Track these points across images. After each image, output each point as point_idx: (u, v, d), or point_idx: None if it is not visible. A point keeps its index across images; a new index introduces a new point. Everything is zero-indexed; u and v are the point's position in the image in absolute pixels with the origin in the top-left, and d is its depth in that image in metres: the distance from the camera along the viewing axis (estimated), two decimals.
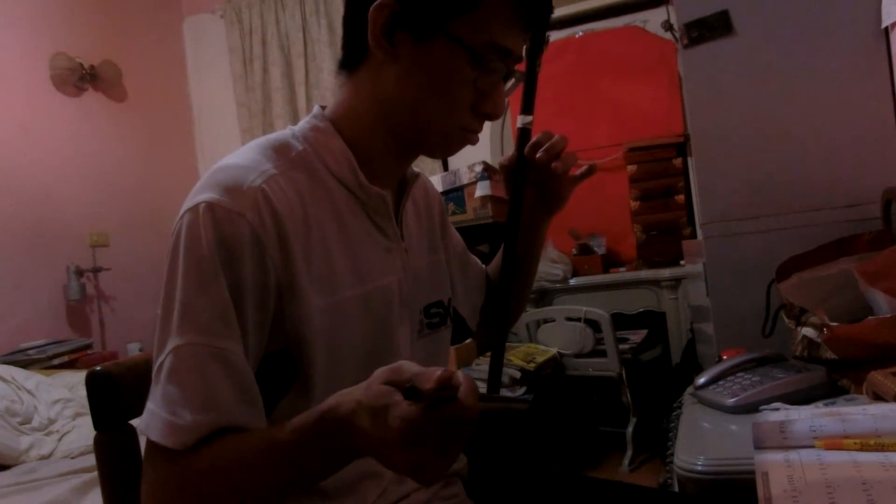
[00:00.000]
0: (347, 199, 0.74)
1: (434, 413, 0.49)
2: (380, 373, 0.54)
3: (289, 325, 0.67)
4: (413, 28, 0.69)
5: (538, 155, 0.84)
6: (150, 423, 0.62)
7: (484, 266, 1.06)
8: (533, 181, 0.88)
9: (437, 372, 0.50)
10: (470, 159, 2.95)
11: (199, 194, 0.66)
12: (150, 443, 0.62)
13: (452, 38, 0.68)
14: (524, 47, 0.76)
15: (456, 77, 0.71)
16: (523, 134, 0.84)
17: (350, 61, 0.76)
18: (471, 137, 0.77)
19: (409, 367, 0.53)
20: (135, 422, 0.96)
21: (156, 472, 0.62)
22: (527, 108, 0.83)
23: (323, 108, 0.78)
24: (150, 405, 0.63)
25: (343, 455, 0.58)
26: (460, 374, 0.52)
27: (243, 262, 0.64)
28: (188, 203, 0.66)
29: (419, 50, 0.70)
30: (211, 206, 0.64)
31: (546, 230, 0.99)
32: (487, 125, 0.84)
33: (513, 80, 0.77)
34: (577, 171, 0.90)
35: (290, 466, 0.59)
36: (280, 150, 0.72)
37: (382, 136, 0.76)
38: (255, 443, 0.60)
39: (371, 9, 0.69)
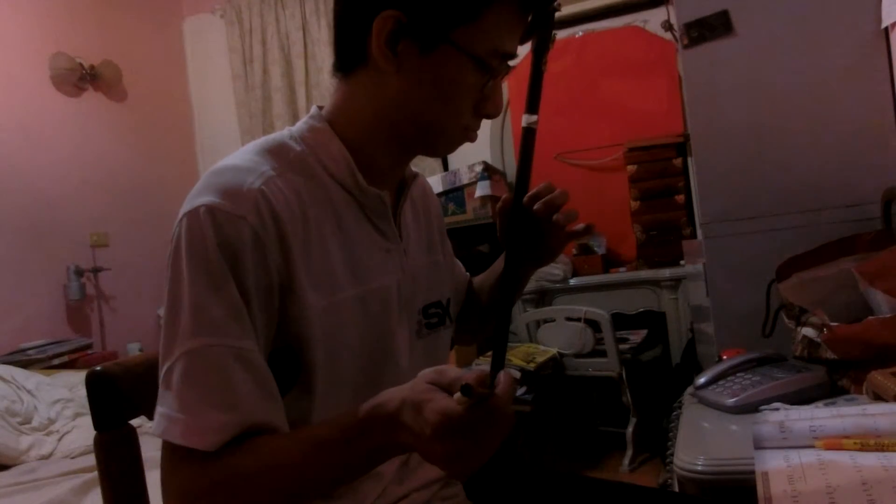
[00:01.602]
0: (345, 199, 0.74)
1: (472, 408, 0.54)
2: (424, 374, 0.59)
3: (289, 326, 0.67)
4: (418, 38, 0.69)
5: (536, 207, 0.82)
6: (167, 427, 0.62)
7: (468, 274, 1.06)
8: (526, 232, 0.84)
9: (476, 373, 0.56)
10: (470, 159, 2.95)
11: (198, 197, 0.65)
12: (171, 447, 0.62)
13: (458, 47, 0.68)
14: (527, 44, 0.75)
15: (461, 85, 0.71)
16: (528, 134, 0.83)
17: (346, 65, 0.75)
18: (471, 135, 0.78)
19: (451, 370, 0.59)
20: (146, 424, 0.96)
21: (181, 475, 0.62)
22: (532, 107, 0.81)
23: (320, 108, 0.78)
24: (164, 410, 0.62)
25: (386, 451, 0.61)
26: (502, 375, 0.57)
27: (246, 264, 0.64)
28: (186, 206, 0.66)
29: (424, 59, 0.70)
30: (211, 209, 0.64)
31: (528, 280, 0.99)
32: (487, 125, 0.83)
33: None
34: (575, 228, 0.85)
35: (336, 464, 0.61)
36: (277, 152, 0.72)
37: (381, 138, 0.75)
38: (301, 443, 0.62)
39: (376, 19, 0.68)
